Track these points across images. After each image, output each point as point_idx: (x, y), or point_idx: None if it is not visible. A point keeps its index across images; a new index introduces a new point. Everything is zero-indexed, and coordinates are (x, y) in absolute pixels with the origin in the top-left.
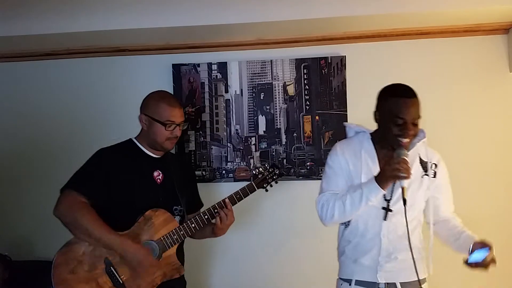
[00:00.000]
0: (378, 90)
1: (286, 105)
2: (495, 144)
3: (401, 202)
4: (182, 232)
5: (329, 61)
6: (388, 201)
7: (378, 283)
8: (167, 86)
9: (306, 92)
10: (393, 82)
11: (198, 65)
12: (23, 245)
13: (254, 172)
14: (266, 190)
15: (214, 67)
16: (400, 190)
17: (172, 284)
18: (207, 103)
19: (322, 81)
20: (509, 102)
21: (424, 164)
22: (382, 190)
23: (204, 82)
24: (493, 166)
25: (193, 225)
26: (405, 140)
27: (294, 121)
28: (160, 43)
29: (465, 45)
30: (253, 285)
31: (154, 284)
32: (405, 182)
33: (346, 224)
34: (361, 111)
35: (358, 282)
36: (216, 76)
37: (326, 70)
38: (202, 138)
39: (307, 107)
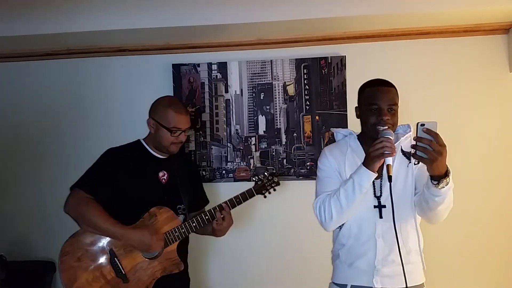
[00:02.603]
0: None
1: (286, 105)
2: (495, 144)
3: (394, 197)
4: (183, 230)
5: (329, 61)
6: (378, 197)
7: None
8: (167, 86)
9: (306, 92)
10: (393, 82)
11: (198, 65)
12: (21, 245)
13: (254, 179)
14: (265, 197)
15: (214, 67)
16: (387, 183)
17: (174, 281)
18: (207, 103)
19: (322, 81)
20: (509, 102)
21: (406, 155)
22: (371, 172)
23: (204, 82)
24: (493, 166)
25: (194, 224)
26: (383, 128)
27: (294, 121)
28: (160, 43)
29: (465, 45)
30: (252, 284)
31: (154, 277)
32: (390, 160)
33: (340, 226)
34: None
35: (353, 287)
36: (216, 76)
37: (326, 70)
38: (202, 138)
39: (307, 107)
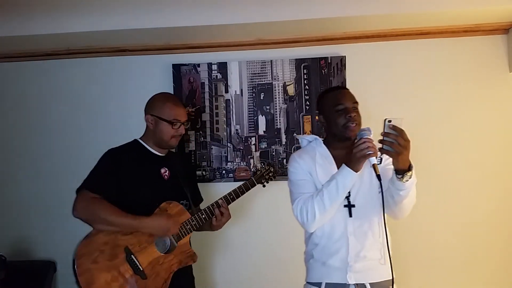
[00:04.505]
0: (378, 90)
1: (286, 105)
2: (495, 144)
3: (362, 196)
4: (194, 222)
5: (329, 61)
6: (347, 197)
7: (348, 285)
8: (167, 86)
9: (306, 92)
10: (393, 82)
11: (198, 65)
12: (21, 245)
13: (253, 170)
14: (264, 186)
15: (214, 67)
16: (355, 183)
17: (178, 280)
18: (207, 103)
19: (322, 81)
20: (509, 102)
21: None
22: (355, 172)
23: (204, 82)
24: (493, 166)
25: (203, 216)
26: (353, 125)
27: (294, 121)
28: (160, 43)
29: (465, 45)
30: (253, 280)
31: (171, 271)
32: (374, 159)
33: None
34: (360, 111)
35: (327, 285)
36: (216, 76)
37: (326, 70)
38: (202, 138)
39: (307, 107)
